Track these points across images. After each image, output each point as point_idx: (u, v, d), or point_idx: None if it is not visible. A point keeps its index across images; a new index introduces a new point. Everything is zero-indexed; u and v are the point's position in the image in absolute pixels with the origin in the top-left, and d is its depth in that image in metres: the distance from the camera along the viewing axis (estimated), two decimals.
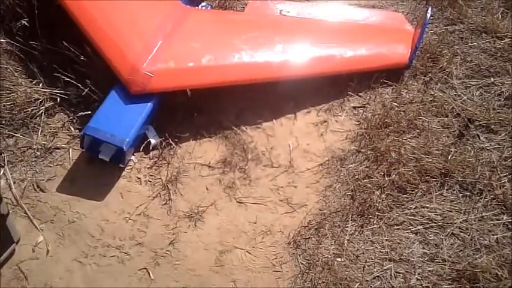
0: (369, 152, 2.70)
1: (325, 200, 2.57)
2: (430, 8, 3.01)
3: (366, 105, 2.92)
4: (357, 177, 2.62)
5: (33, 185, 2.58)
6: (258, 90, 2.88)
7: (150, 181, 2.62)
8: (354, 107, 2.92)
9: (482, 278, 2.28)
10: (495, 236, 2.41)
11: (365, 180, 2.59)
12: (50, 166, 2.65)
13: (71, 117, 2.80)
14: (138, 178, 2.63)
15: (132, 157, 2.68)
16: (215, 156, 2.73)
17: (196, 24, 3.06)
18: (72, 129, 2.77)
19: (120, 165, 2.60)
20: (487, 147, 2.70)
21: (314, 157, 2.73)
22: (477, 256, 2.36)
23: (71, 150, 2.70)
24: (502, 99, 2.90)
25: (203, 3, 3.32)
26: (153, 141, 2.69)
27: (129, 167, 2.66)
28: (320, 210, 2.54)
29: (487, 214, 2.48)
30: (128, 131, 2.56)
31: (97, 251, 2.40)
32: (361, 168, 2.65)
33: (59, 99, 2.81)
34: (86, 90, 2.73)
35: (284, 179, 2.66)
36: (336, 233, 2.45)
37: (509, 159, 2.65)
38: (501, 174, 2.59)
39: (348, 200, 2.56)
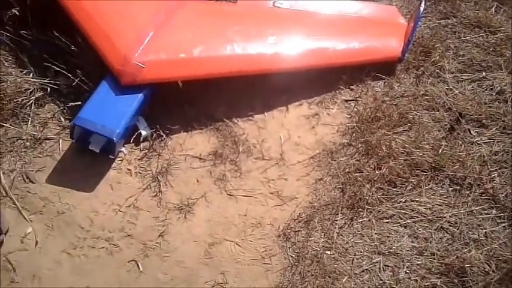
0: (359, 145, 2.70)
1: (315, 193, 2.58)
2: (423, 2, 3.01)
3: (358, 99, 2.92)
4: (347, 170, 2.62)
5: (22, 175, 2.56)
6: (249, 82, 2.87)
7: (140, 173, 2.61)
8: (346, 100, 2.92)
9: (470, 272, 2.30)
10: (484, 230, 2.43)
11: (355, 174, 2.59)
12: (40, 157, 2.63)
13: (61, 108, 2.78)
14: (129, 170, 2.62)
15: (123, 148, 2.66)
16: (206, 148, 2.72)
17: (189, 15, 3.04)
18: (63, 119, 2.75)
19: (110, 157, 2.59)
20: (478, 142, 2.71)
21: (305, 150, 2.73)
22: (466, 250, 2.37)
23: (61, 140, 2.68)
24: (494, 94, 2.91)
25: None
26: (143, 132, 2.68)
27: (119, 159, 2.65)
28: (310, 203, 2.54)
29: (476, 208, 2.50)
30: (119, 122, 2.54)
31: (86, 242, 2.39)
32: (352, 161, 2.65)
33: (49, 89, 2.79)
34: (77, 80, 2.70)
35: (275, 171, 2.65)
36: (325, 226, 2.46)
37: (500, 154, 2.66)
38: (491, 169, 2.61)
39: (338, 193, 2.56)
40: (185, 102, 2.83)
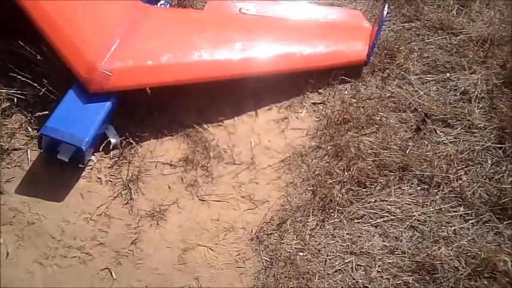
0: (329, 147, 2.73)
1: (286, 195, 2.59)
2: (387, 6, 3.06)
3: (326, 102, 2.95)
4: (317, 172, 2.65)
5: None
6: (218, 88, 2.88)
7: (111, 181, 2.60)
8: (314, 104, 2.95)
9: (441, 269, 2.34)
10: (453, 228, 2.48)
11: (326, 176, 2.62)
12: (8, 167, 2.59)
13: (29, 118, 2.75)
14: (99, 178, 2.60)
15: (92, 157, 2.65)
16: (177, 154, 2.72)
17: (155, 22, 3.04)
18: (30, 129, 2.72)
19: (80, 166, 2.57)
20: (444, 141, 2.77)
21: (275, 154, 2.75)
22: (436, 247, 2.41)
23: (29, 151, 2.65)
24: (458, 94, 2.98)
25: (162, 1, 3.30)
26: (113, 140, 2.67)
27: (89, 167, 2.63)
28: (282, 206, 2.56)
29: (445, 206, 2.55)
30: (87, 131, 2.53)
31: (58, 252, 2.37)
32: (322, 163, 2.68)
33: (15, 99, 2.76)
34: (43, 90, 2.68)
35: (246, 175, 2.67)
36: (297, 228, 2.48)
37: (465, 153, 2.72)
38: (457, 167, 2.66)
39: (309, 195, 2.59)
40: (154, 109, 2.82)
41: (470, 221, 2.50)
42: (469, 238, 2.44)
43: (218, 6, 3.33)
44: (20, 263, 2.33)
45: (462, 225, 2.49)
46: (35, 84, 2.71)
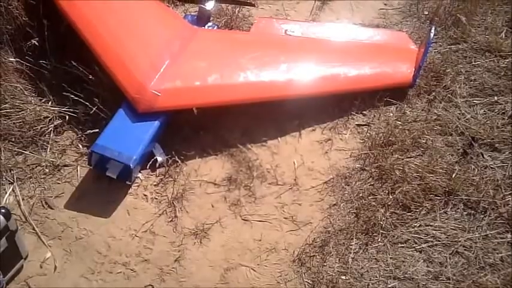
0: (373, 170, 2.72)
1: (329, 217, 2.58)
2: (433, 27, 3.05)
3: (370, 124, 2.95)
4: (361, 195, 2.63)
5: (41, 201, 2.61)
6: (263, 108, 2.91)
7: (156, 198, 2.65)
8: (358, 125, 2.95)
9: None
10: (500, 255, 2.42)
11: (369, 198, 2.60)
12: (58, 183, 2.68)
13: (79, 135, 2.84)
14: (145, 195, 2.66)
15: (139, 174, 2.71)
16: (220, 173, 2.75)
17: (203, 43, 3.10)
18: (80, 146, 2.81)
19: (127, 183, 2.63)
20: (491, 166, 2.72)
21: (318, 175, 2.75)
22: (481, 274, 2.36)
23: (79, 167, 2.74)
24: (506, 118, 2.92)
25: (209, 23, 3.36)
26: (159, 158, 2.72)
27: (135, 184, 2.69)
28: (324, 228, 2.55)
29: (492, 232, 2.49)
30: (135, 149, 2.60)
31: (104, 267, 2.42)
32: (366, 186, 2.67)
33: (67, 117, 2.86)
34: (94, 108, 2.77)
35: (289, 196, 2.67)
36: (340, 251, 2.46)
37: None
38: (505, 193, 2.60)
39: (353, 218, 2.57)
40: (200, 129, 2.87)
41: None
42: None
43: (264, 28, 3.37)
44: (67, 276, 2.39)
45: (509, 253, 2.42)
46: (86, 103, 2.80)
